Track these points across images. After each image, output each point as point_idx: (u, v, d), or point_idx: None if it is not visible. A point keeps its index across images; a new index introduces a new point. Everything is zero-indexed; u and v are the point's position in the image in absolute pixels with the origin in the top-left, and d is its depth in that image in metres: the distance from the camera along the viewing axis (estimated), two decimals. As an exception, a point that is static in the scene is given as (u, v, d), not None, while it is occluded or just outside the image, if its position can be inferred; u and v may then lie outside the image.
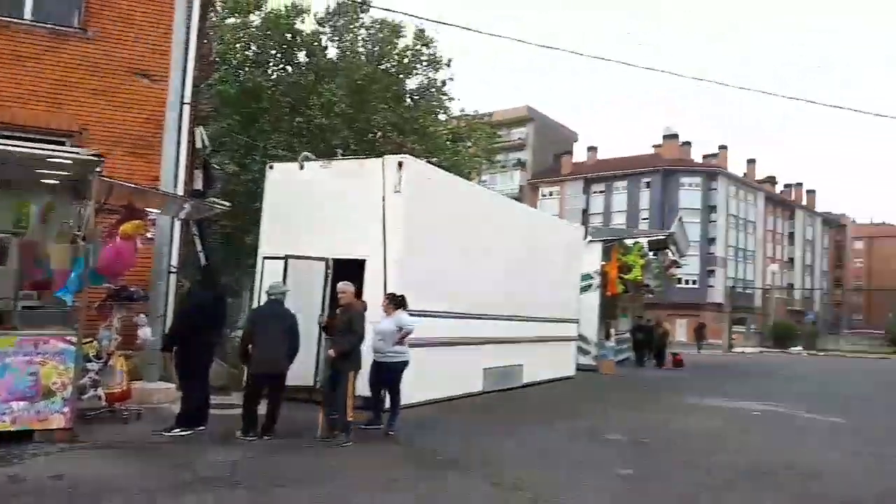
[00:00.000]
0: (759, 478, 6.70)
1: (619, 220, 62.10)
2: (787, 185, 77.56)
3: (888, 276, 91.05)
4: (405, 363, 7.85)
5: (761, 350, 35.34)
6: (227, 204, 10.18)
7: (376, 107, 19.68)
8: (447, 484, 5.91)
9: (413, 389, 9.28)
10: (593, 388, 14.18)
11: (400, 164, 9.18)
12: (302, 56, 20.44)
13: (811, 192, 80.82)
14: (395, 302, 7.88)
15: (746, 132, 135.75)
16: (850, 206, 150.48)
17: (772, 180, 74.67)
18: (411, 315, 7.99)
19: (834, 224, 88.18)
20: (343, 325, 7.32)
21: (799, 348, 35.32)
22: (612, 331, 19.68)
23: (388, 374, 7.81)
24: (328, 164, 9.99)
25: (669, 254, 22.33)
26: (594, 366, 17.79)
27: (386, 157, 9.47)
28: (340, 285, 7.68)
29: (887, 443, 9.18)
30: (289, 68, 20.30)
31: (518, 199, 62.55)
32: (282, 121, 18.87)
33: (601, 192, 66.00)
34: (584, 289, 17.73)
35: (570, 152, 70.86)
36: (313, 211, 9.77)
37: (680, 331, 47.57)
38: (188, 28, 9.87)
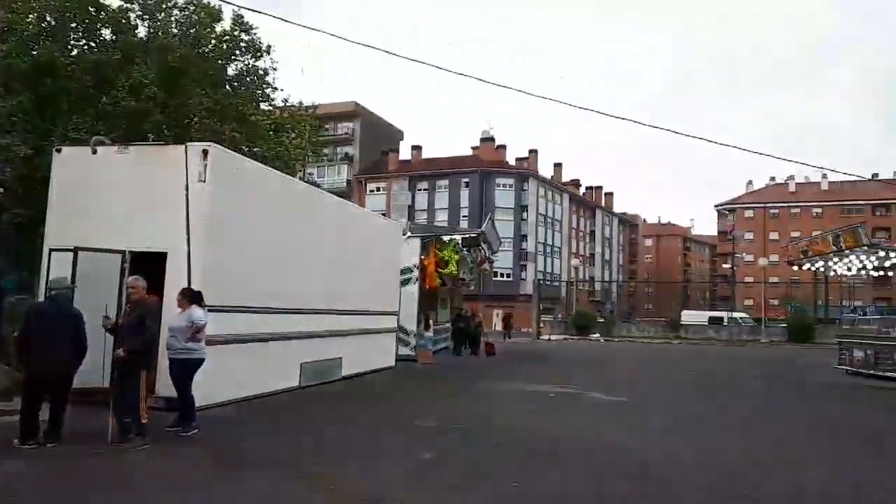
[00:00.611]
0: (549, 454, 7.36)
1: (441, 217, 64.53)
2: (589, 188, 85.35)
3: (673, 271, 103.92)
4: (199, 360, 7.55)
5: (565, 337, 38.51)
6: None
7: (192, 91, 18.63)
8: (248, 483, 5.78)
9: (222, 387, 9.03)
10: (410, 378, 14.63)
11: (205, 153, 8.74)
12: (107, 33, 18.76)
13: (609, 195, 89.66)
14: (189, 297, 7.58)
15: (554, 138, 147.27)
16: (642, 207, 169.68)
17: (576, 183, 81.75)
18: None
19: (628, 224, 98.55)
20: (133, 322, 6.90)
21: (597, 335, 38.99)
22: (432, 322, 20.42)
23: (180, 372, 7.48)
24: (125, 150, 9.27)
25: (482, 250, 23.59)
26: (413, 356, 18.35)
27: (190, 144, 8.98)
28: (130, 280, 7.26)
29: (657, 418, 10.46)
30: (92, 44, 18.52)
31: (346, 193, 62.46)
32: (85, 101, 17.17)
33: (425, 189, 68.09)
34: (404, 282, 18.22)
35: (396, 150, 72.19)
36: (109, 199, 9.05)
37: (497, 321, 50.49)
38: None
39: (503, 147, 69.35)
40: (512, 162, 69.58)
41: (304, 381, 11.60)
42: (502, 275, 61.85)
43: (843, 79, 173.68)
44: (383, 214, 53.56)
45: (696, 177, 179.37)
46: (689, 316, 49.40)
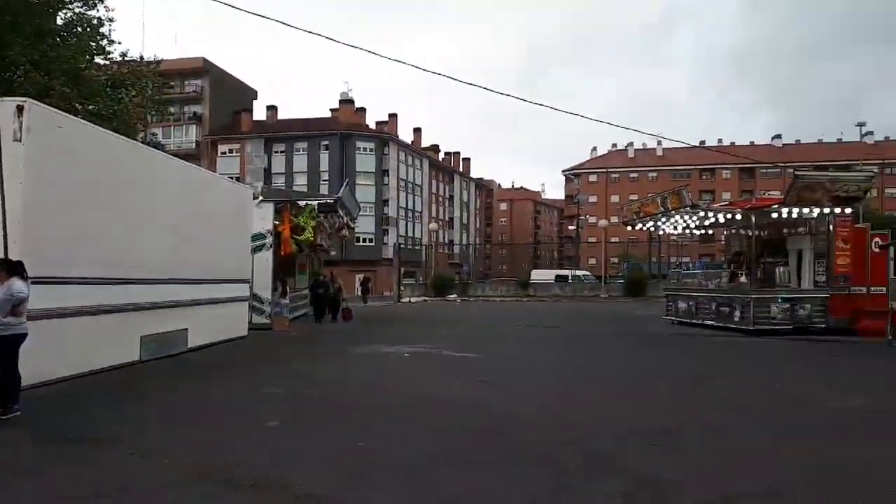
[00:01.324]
0: (398, 413, 7.59)
1: (301, 181, 62.85)
2: (447, 154, 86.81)
3: (525, 233, 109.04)
4: (20, 336, 6.95)
5: (425, 299, 39.41)
6: None
7: (13, 41, 16.64)
8: (77, 463, 5.45)
9: (51, 364, 8.45)
10: (263, 347, 14.34)
11: (20, 109, 7.89)
12: None
13: (466, 160, 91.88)
14: (7, 268, 6.93)
15: (413, 103, 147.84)
16: (497, 172, 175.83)
17: (435, 148, 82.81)
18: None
19: (484, 188, 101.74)
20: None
21: (455, 296, 40.28)
22: (289, 288, 20.04)
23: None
24: (-79, 106, 8.15)
25: (341, 217, 23.36)
26: (269, 324, 17.97)
27: (1, 99, 8.10)
28: (-67, 251, 6.48)
29: (503, 372, 11.05)
30: None
31: (195, 155, 58.89)
32: None
33: (282, 152, 65.76)
34: (257, 248, 17.70)
35: (249, 110, 68.82)
36: None
37: (359, 286, 50.49)
38: None
39: (363, 110, 68.38)
40: (372, 126, 68.88)
41: (146, 355, 11.03)
42: (364, 240, 61.73)
43: (677, 53, 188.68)
44: (237, 178, 51.27)
45: (546, 144, 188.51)
46: (538, 275, 52.31)
